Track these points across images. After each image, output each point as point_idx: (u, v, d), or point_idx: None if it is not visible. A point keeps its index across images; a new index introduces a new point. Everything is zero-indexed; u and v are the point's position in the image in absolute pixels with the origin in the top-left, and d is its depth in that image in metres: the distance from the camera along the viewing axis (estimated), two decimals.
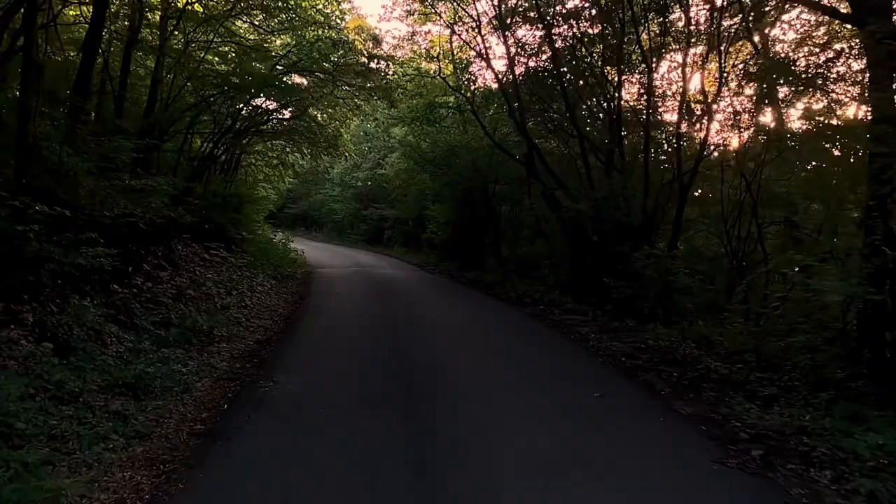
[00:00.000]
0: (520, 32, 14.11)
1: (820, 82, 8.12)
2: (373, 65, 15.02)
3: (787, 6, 9.39)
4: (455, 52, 15.86)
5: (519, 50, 13.88)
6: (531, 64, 13.84)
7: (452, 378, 6.25)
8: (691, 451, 4.28)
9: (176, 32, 11.24)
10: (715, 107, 10.42)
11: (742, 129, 10.25)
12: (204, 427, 4.70)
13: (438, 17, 15.31)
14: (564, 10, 12.62)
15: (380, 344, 7.96)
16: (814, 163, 8.03)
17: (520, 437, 4.47)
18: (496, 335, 9.01)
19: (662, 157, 12.44)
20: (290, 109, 15.09)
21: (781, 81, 9.29)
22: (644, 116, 11.40)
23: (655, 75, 11.75)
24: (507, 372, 6.60)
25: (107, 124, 9.12)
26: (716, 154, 10.93)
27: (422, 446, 4.31)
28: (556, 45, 12.29)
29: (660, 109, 12.04)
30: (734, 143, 10.59)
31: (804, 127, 8.42)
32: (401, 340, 8.12)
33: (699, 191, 11.88)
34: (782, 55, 10.03)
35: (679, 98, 11.33)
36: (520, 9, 13.60)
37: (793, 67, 8.79)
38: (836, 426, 4.17)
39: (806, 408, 4.57)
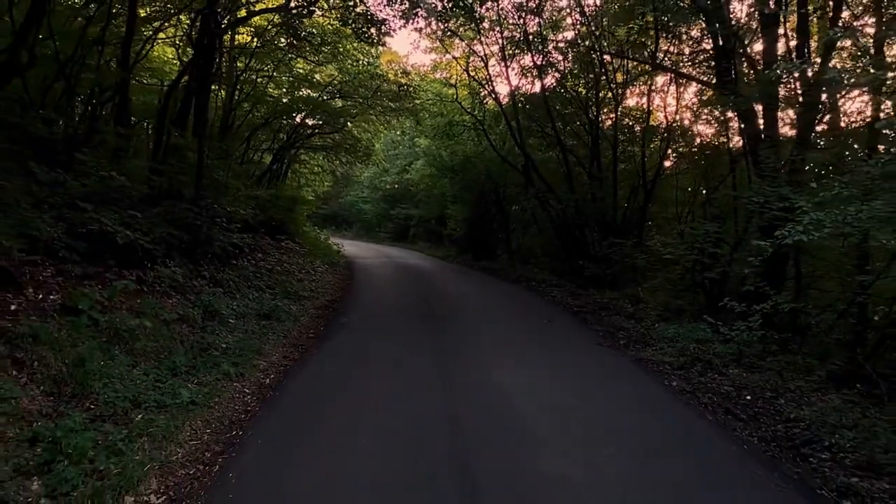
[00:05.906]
0: (524, 60, 17.43)
1: None
2: (402, 91, 18.47)
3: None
4: (469, 80, 19.18)
5: (521, 78, 17.21)
6: (529, 90, 17.18)
7: (461, 317, 9.69)
8: (588, 340, 7.75)
9: (247, 70, 14.79)
10: (673, 126, 13.67)
11: (697, 146, 13.53)
12: (314, 335, 8.23)
13: (453, 58, 18.71)
14: (558, 43, 15.93)
15: (412, 303, 11.43)
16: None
17: (496, 335, 7.95)
18: (492, 297, 12.42)
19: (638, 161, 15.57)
20: (332, 126, 18.65)
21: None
22: (614, 135, 14.64)
23: (628, 101, 15.10)
24: (495, 313, 10.09)
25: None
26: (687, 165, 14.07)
27: (442, 339, 7.81)
28: (546, 80, 15.58)
29: (630, 130, 15.29)
30: (690, 156, 13.86)
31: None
32: (426, 300, 11.57)
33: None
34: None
35: (643, 121, 14.67)
36: (522, 44, 16.88)
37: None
38: (669, 329, 7.51)
39: (659, 323, 7.91)
